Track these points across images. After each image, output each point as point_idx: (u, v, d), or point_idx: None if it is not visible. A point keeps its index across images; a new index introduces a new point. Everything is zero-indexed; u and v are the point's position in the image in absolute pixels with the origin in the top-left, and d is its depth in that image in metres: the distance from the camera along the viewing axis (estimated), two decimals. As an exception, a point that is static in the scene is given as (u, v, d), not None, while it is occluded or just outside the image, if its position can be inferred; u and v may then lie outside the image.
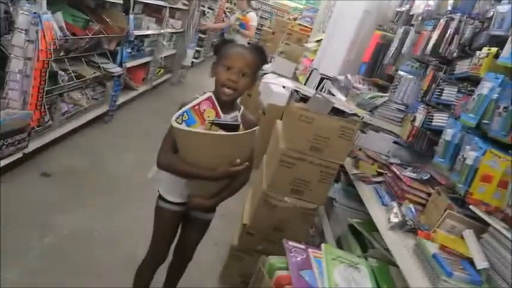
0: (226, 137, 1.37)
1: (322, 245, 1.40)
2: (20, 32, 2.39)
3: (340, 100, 2.55)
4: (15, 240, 2.13)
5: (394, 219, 1.70)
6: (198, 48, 8.49)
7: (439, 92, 2.08)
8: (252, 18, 6.39)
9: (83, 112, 3.47)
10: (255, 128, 1.44)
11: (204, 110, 1.50)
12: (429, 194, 1.84)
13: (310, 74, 4.69)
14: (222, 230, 2.83)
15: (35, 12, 2.37)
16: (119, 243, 2.38)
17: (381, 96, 2.62)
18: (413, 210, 1.76)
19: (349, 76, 3.25)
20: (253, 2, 6.55)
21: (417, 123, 2.25)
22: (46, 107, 2.80)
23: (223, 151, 1.41)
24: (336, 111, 2.04)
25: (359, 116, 2.08)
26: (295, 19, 12.28)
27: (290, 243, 1.36)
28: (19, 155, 2.61)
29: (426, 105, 2.25)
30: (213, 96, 1.47)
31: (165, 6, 5.13)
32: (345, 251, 1.77)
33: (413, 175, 1.97)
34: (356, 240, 1.97)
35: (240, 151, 1.45)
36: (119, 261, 2.23)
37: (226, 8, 10.72)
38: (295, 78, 5.70)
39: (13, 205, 2.39)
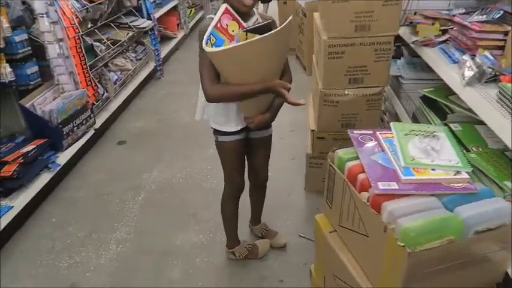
0: (272, 35, 1.27)
1: (391, 123, 1.29)
2: (41, 17, 2.42)
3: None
4: (114, 206, 2.33)
5: (469, 73, 1.49)
6: None
7: None
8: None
9: (132, 75, 3.54)
10: (290, 18, 1.33)
11: (227, 24, 1.41)
12: (506, 33, 1.58)
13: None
14: (295, 144, 2.82)
15: (46, -7, 2.36)
16: (200, 183, 2.50)
17: None
18: (491, 56, 1.53)
19: None
20: None
21: (475, -43, 1.90)
22: (96, 80, 2.89)
23: (270, 54, 1.34)
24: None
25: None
26: None
27: (355, 131, 1.27)
28: (91, 132, 2.78)
29: None
30: (229, 7, 1.36)
31: None
32: (423, 124, 1.64)
33: (483, 18, 1.69)
34: (432, 111, 1.80)
35: (282, 48, 1.40)
36: (205, 198, 2.35)
37: None
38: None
39: (101, 176, 2.60)
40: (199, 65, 1.43)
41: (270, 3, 6.44)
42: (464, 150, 1.36)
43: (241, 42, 1.30)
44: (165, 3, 4.65)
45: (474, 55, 1.62)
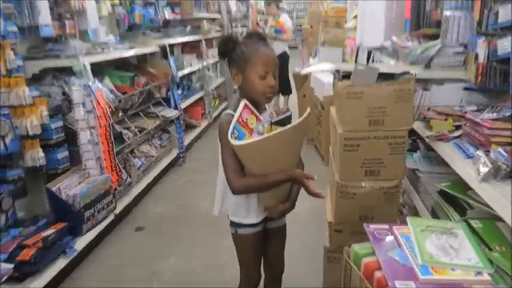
0: (295, 127, 1.36)
1: (408, 218, 1.28)
2: (78, 106, 2.62)
3: (386, 65, 2.39)
4: (127, 293, 2.28)
5: (484, 169, 1.51)
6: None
7: (493, 16, 1.84)
8: (285, 20, 6.35)
9: (155, 162, 3.67)
10: (308, 111, 1.45)
11: (246, 118, 1.50)
12: (518, 131, 1.62)
13: (357, 52, 4.50)
14: (313, 235, 2.77)
15: (84, 85, 2.59)
16: (216, 273, 2.44)
17: (433, 46, 2.39)
18: (504, 152, 1.55)
19: (394, 38, 3.04)
20: (283, 5, 6.52)
21: (481, 60, 2.01)
22: (121, 166, 3.01)
23: (291, 144, 1.43)
24: (385, 77, 1.90)
25: (411, 73, 1.92)
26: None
27: (371, 226, 1.27)
28: (112, 217, 2.82)
29: (485, 36, 2.00)
30: (247, 103, 1.47)
31: (200, 40, 5.32)
32: (440, 220, 1.61)
33: (494, 115, 1.75)
34: (451, 206, 1.78)
35: (301, 138, 1.51)
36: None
37: (260, 20, 10.84)
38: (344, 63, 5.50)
39: (117, 262, 2.58)
40: (222, 158, 1.49)
41: (290, 95, 6.78)
42: (486, 249, 1.31)
43: (267, 135, 1.37)
44: (191, 94, 4.98)
45: (488, 151, 1.64)
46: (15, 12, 2.54)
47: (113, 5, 3.58)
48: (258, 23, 6.32)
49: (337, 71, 1.98)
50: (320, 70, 4.77)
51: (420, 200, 2.14)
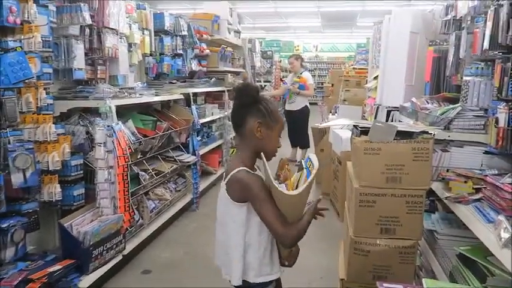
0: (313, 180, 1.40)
1: (423, 280, 1.23)
2: (99, 146, 2.69)
3: (405, 124, 2.40)
4: None
5: (506, 235, 1.45)
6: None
7: (513, 83, 1.86)
8: (308, 77, 6.58)
9: (169, 205, 3.67)
10: (316, 166, 1.48)
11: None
12: (541, 196, 1.57)
13: (376, 111, 4.55)
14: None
15: (108, 126, 2.67)
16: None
17: (453, 108, 2.41)
18: (526, 218, 1.49)
19: (414, 99, 3.08)
20: (306, 63, 6.81)
21: (502, 124, 2.01)
22: (134, 207, 3.02)
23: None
24: (404, 135, 1.90)
25: (430, 133, 1.92)
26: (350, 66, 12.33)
27: (385, 285, 1.21)
28: (119, 258, 2.79)
29: (505, 102, 2.01)
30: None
31: (223, 90, 5.49)
32: (460, 284, 1.53)
33: (515, 180, 1.71)
34: (471, 271, 1.70)
35: None
36: None
37: (283, 77, 11.19)
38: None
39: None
40: (264, 215, 1.43)
41: (309, 149, 6.81)
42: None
43: (304, 186, 1.37)
44: (210, 142, 5.06)
45: (510, 216, 1.59)
46: (52, 56, 2.71)
47: (143, 55, 3.78)
48: (281, 79, 6.57)
49: (355, 126, 2.00)
50: (339, 125, 4.82)
51: (438, 262, 2.05)
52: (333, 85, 9.25)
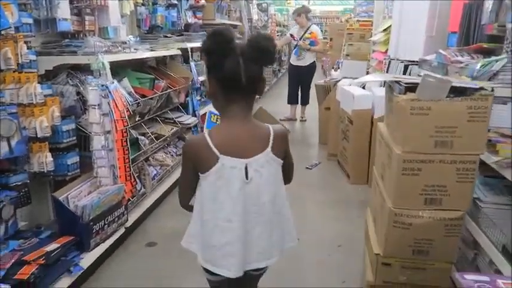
0: None
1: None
2: (93, 108, 2.37)
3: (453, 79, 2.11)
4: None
5: None
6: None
7: None
8: (318, 31, 6.35)
9: (170, 171, 3.41)
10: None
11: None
12: None
13: (388, 65, 4.25)
14: (346, 265, 2.47)
15: (102, 85, 2.34)
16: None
17: (496, 61, 2.12)
18: None
19: (442, 51, 2.77)
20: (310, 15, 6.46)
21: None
22: (135, 175, 2.75)
23: None
24: (454, 92, 1.63)
25: (487, 90, 1.65)
26: (347, 20, 11.79)
27: (467, 276, 0.99)
28: (122, 231, 2.55)
29: None
30: None
31: (221, 46, 5.09)
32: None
33: None
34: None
35: None
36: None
37: (277, 32, 10.65)
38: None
39: (126, 281, 2.30)
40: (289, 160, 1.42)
41: (308, 106, 6.58)
42: None
43: None
44: (208, 101, 4.72)
45: None
46: (31, 3, 2.32)
47: (135, 4, 3.37)
48: (292, 35, 6.23)
49: (398, 82, 1.71)
50: (370, 81, 4.47)
51: (484, 235, 1.84)
52: (331, 39, 8.82)
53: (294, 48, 6.35)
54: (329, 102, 4.86)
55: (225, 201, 1.27)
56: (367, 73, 5.54)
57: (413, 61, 3.52)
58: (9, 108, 1.94)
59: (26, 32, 2.24)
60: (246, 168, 1.25)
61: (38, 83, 2.21)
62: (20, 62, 2.13)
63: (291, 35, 6.31)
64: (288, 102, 6.57)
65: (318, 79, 6.38)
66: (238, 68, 1.19)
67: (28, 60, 2.20)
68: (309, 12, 6.40)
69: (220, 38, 1.20)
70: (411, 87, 1.65)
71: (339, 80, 5.09)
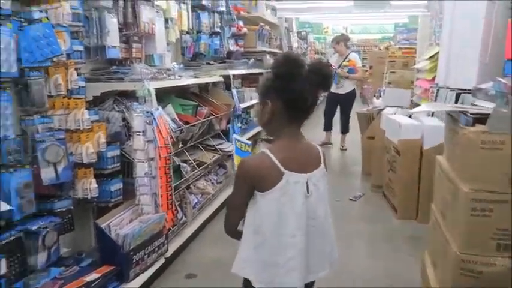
0: None
1: None
2: (138, 134, 2.36)
3: None
4: None
5: None
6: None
7: None
8: (357, 59, 6.28)
9: (211, 199, 3.33)
10: None
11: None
12: None
13: (437, 94, 4.06)
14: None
15: (147, 111, 2.33)
16: None
17: None
18: None
19: (501, 79, 2.59)
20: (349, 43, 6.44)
21: None
22: (177, 203, 2.70)
23: None
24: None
25: None
26: (387, 48, 11.62)
27: None
28: (162, 261, 2.48)
29: None
30: None
31: (262, 73, 5.08)
32: None
33: None
34: None
35: None
36: None
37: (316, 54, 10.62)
38: (414, 106, 5.04)
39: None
40: None
41: (348, 135, 6.43)
42: None
43: None
44: (249, 128, 4.69)
45: None
46: (83, 31, 2.37)
47: (181, 32, 3.42)
48: (330, 64, 6.15)
49: (464, 113, 1.57)
50: (430, 110, 4.28)
51: None
52: (371, 67, 8.67)
53: (333, 76, 6.27)
54: (372, 131, 4.69)
55: (289, 217, 1.29)
56: (412, 102, 5.35)
57: (466, 89, 3.33)
58: (57, 134, 1.94)
59: (77, 58, 2.28)
60: (306, 182, 1.30)
61: (86, 109, 2.23)
62: (69, 88, 2.17)
63: (329, 64, 6.24)
64: (324, 129, 6.49)
65: (357, 107, 6.27)
66: (306, 91, 1.27)
67: (77, 87, 2.23)
68: (348, 40, 6.39)
69: (294, 63, 1.27)
70: (479, 119, 1.50)
71: (382, 109, 4.93)
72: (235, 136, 1.78)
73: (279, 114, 1.30)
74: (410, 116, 4.11)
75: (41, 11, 1.96)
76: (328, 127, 6.45)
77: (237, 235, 1.40)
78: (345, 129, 6.33)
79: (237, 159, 1.67)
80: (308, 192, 1.30)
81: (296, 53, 1.51)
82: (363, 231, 3.38)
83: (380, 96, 6.13)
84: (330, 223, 1.41)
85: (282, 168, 1.26)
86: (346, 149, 6.34)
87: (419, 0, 6.26)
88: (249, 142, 1.71)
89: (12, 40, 1.73)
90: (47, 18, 1.86)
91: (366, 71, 8.81)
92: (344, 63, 6.07)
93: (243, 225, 1.38)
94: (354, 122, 6.18)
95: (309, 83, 1.26)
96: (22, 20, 1.81)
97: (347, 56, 6.10)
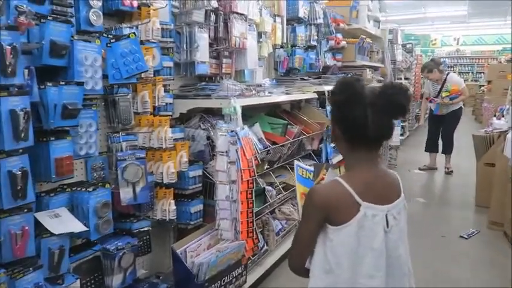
0: None
1: None
2: (221, 155, 2.21)
3: None
4: None
5: None
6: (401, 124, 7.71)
7: None
8: (458, 82, 5.55)
9: (296, 226, 3.07)
10: None
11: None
12: None
13: None
14: None
15: (232, 131, 2.18)
16: None
17: None
18: None
19: None
20: (443, 60, 5.76)
21: None
22: (258, 230, 2.50)
23: None
24: None
25: None
26: (510, 60, 10.30)
27: None
28: (238, 293, 2.28)
29: None
30: None
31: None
32: None
33: None
34: None
35: None
36: None
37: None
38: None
39: None
40: None
41: (461, 158, 5.68)
42: None
43: None
44: (344, 149, 4.33)
45: None
46: (173, 48, 2.33)
47: (274, 46, 3.26)
48: (431, 99, 5.55)
49: None
50: None
51: None
52: (489, 82, 7.63)
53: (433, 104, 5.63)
54: (493, 157, 3.99)
55: (366, 255, 1.16)
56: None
57: None
58: (138, 153, 1.87)
59: (166, 75, 2.24)
60: (386, 215, 1.18)
61: (172, 126, 2.16)
62: (156, 104, 2.12)
63: (430, 100, 5.62)
64: (426, 150, 5.87)
65: (469, 127, 5.54)
66: (366, 120, 1.15)
67: (164, 104, 2.18)
68: (440, 64, 5.70)
69: (349, 90, 1.18)
70: None
71: (506, 131, 4.18)
72: (296, 162, 1.65)
73: (344, 141, 1.23)
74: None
75: (131, 27, 1.94)
76: (430, 148, 5.81)
77: (305, 273, 1.28)
78: (446, 149, 5.65)
79: (299, 188, 1.56)
80: (388, 227, 1.18)
81: (354, 77, 1.40)
82: (477, 279, 2.80)
83: (502, 116, 5.28)
84: (409, 263, 1.27)
85: (359, 199, 1.15)
86: (452, 172, 5.61)
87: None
88: (311, 168, 1.59)
89: (99, 57, 1.70)
90: (134, 34, 1.81)
91: (489, 82, 7.75)
92: (444, 93, 5.40)
93: (310, 262, 1.26)
94: (468, 144, 5.44)
95: (375, 109, 1.14)
96: (110, 36, 1.77)
97: (445, 80, 5.43)
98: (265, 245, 2.59)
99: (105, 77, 1.79)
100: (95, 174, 1.88)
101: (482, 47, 18.42)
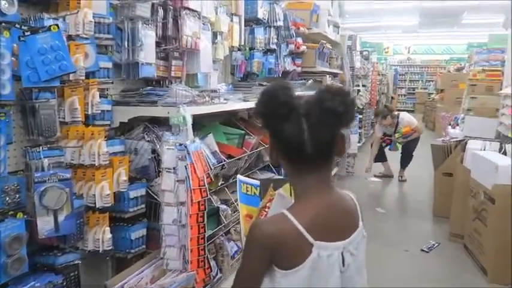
0: None
1: None
2: (168, 172, 1.90)
3: None
4: None
5: None
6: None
7: None
8: (410, 121, 5.76)
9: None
10: None
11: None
12: None
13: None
14: None
15: (180, 144, 1.87)
16: None
17: None
18: None
19: None
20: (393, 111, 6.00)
21: None
22: (211, 256, 2.20)
23: None
24: None
25: None
26: (459, 69, 10.67)
27: None
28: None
29: None
30: None
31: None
32: None
33: None
34: None
35: None
36: None
37: (378, 81, 9.89)
38: (504, 138, 4.24)
39: None
40: None
41: (418, 167, 5.75)
42: None
43: None
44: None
45: None
46: (113, 45, 1.99)
47: (230, 49, 2.99)
48: (385, 139, 5.73)
49: None
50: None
51: None
52: (442, 91, 7.80)
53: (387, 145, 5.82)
54: (452, 167, 3.96)
55: None
56: (498, 133, 4.54)
57: None
58: (61, 173, 1.52)
59: (103, 77, 1.90)
60: (342, 253, 1.04)
61: (110, 138, 1.83)
62: (89, 112, 1.77)
63: (384, 139, 5.77)
64: (375, 161, 5.92)
65: (423, 134, 5.69)
66: (301, 134, 0.99)
67: (100, 111, 1.84)
68: (392, 111, 5.93)
69: (275, 100, 1.00)
70: None
71: (463, 140, 4.17)
72: (239, 177, 1.42)
73: (285, 162, 1.07)
74: (505, 153, 3.37)
75: (55, 19, 1.59)
76: (379, 158, 5.88)
77: None
78: (404, 164, 5.82)
79: (242, 210, 1.35)
80: (344, 265, 1.03)
81: (281, 84, 1.01)
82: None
83: (457, 125, 5.34)
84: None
85: (310, 238, 0.99)
86: (405, 180, 5.71)
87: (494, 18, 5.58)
88: (257, 183, 1.37)
89: (8, 53, 1.35)
90: (57, 26, 1.47)
91: (441, 91, 7.92)
92: (397, 135, 5.65)
93: None
94: (423, 153, 5.48)
95: (311, 121, 0.98)
96: (25, 28, 1.42)
97: (397, 124, 5.64)
98: (218, 272, 2.29)
99: (18, 78, 1.44)
100: (8, 199, 1.51)
101: (431, 56, 19.23)
